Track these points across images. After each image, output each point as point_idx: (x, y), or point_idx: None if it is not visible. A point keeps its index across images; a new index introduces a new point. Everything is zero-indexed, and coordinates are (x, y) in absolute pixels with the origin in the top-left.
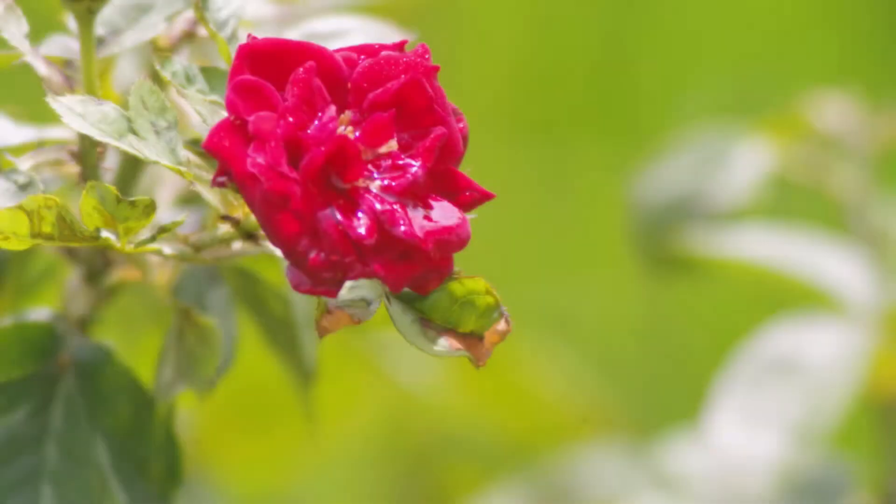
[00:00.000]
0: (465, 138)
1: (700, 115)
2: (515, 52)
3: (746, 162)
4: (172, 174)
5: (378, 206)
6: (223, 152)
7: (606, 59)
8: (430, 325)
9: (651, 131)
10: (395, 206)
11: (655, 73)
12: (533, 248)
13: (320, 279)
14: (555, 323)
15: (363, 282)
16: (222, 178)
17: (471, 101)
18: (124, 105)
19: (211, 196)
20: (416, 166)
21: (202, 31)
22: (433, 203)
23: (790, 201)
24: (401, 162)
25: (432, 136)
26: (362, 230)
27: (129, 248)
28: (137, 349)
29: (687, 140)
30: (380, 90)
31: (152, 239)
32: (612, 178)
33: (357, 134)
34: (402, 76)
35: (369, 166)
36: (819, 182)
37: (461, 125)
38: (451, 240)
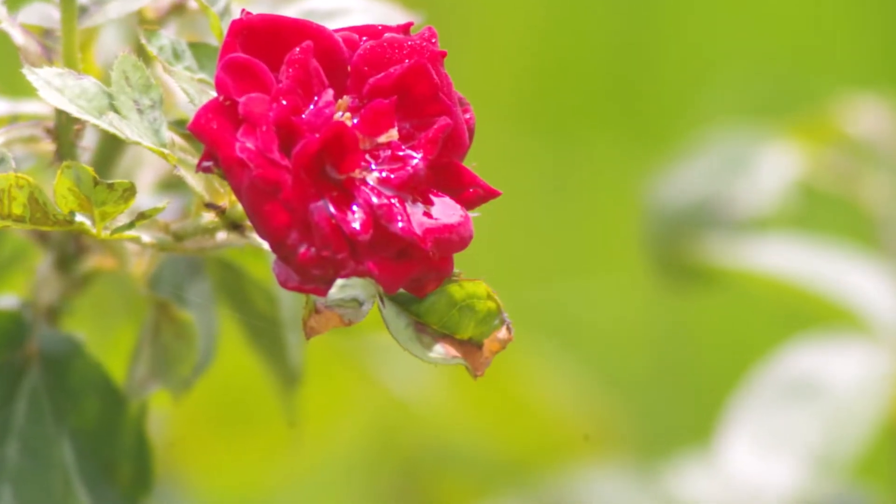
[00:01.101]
0: (471, 131)
1: (722, 115)
2: (529, 42)
3: (771, 167)
4: (155, 156)
5: (375, 200)
6: (210, 135)
7: (625, 53)
8: (426, 329)
9: (670, 131)
10: (392, 201)
11: (676, 69)
12: (538, 250)
13: (309, 276)
14: (559, 331)
15: (355, 281)
16: (208, 163)
17: (479, 91)
18: (106, 80)
19: (195, 182)
20: (417, 158)
21: (192, 4)
22: (434, 199)
23: (817, 211)
24: (401, 153)
25: (436, 126)
26: (357, 225)
27: (105, 234)
28: (110, 343)
29: (708, 142)
30: (381, 75)
31: (130, 225)
32: (627, 180)
33: (355, 121)
34: (406, 61)
35: (367, 156)
36: (849, 191)
37: (468, 116)
38: (451, 239)
